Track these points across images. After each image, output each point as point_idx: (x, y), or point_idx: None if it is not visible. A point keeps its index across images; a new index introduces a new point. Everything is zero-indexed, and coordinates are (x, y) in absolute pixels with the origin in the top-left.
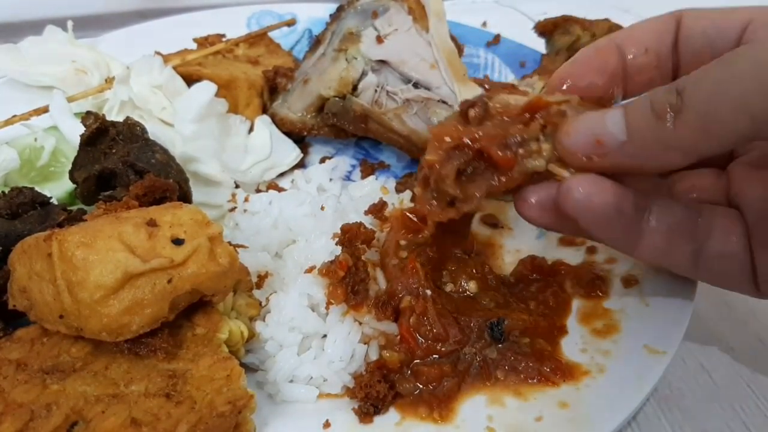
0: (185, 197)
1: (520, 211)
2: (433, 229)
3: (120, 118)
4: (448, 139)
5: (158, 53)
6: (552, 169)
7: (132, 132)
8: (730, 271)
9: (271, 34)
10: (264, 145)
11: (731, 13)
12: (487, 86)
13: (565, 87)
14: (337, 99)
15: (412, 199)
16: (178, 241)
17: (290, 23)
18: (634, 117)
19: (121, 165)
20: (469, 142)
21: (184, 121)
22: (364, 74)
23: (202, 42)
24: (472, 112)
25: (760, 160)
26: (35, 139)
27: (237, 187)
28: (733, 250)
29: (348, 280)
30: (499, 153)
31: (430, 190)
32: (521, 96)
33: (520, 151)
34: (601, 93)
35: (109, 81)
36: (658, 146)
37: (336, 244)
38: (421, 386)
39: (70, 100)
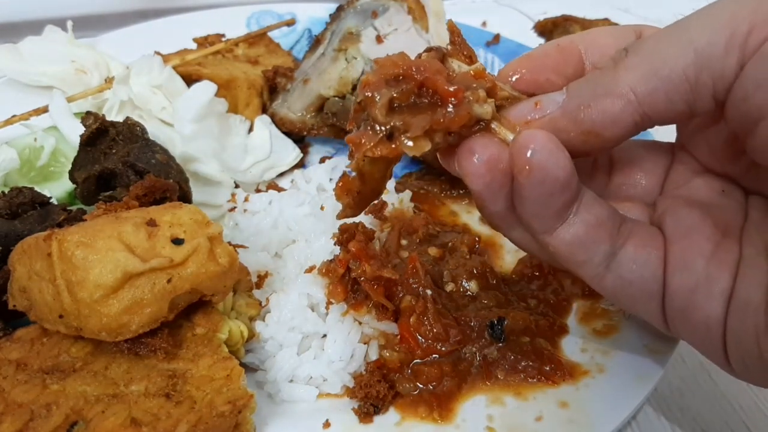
0: (185, 197)
1: (462, 164)
2: (361, 162)
3: (120, 118)
4: (392, 67)
5: (158, 53)
6: (497, 128)
7: (132, 132)
8: (639, 282)
9: (271, 34)
10: (264, 145)
11: None
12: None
13: (514, 78)
14: (336, 99)
15: (412, 199)
16: (177, 241)
17: (290, 23)
18: (576, 81)
19: (121, 165)
20: (414, 72)
21: (183, 121)
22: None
23: (202, 42)
24: (425, 56)
25: (689, 192)
26: (35, 139)
27: (237, 187)
28: (648, 261)
29: (347, 278)
30: (445, 86)
31: (364, 118)
32: (467, 66)
33: (467, 93)
34: (558, 89)
35: (108, 81)
36: (597, 93)
37: (335, 244)
38: (421, 386)
39: (69, 100)
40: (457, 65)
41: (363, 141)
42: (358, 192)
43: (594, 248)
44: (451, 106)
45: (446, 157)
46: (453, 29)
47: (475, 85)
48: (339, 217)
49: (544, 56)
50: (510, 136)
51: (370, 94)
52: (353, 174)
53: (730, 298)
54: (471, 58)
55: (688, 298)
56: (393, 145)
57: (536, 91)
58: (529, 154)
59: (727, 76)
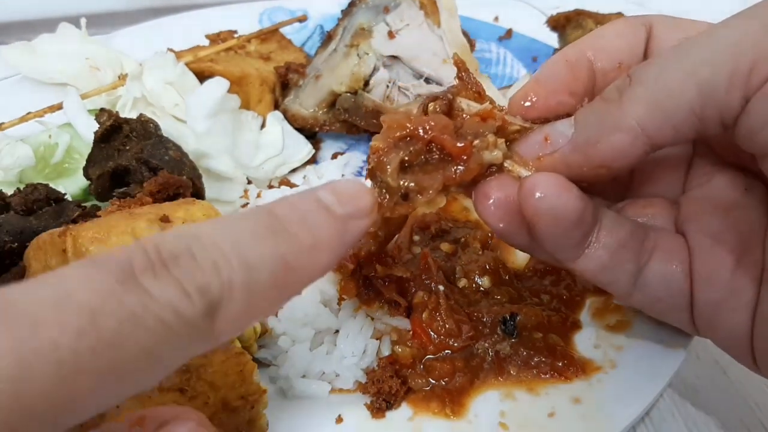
0: (198, 193)
1: (478, 209)
2: (380, 222)
3: (133, 115)
4: (399, 128)
5: (170, 50)
6: (509, 166)
7: (145, 129)
8: (667, 297)
9: (283, 30)
10: (276, 141)
11: (702, 24)
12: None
13: (527, 105)
14: (348, 95)
15: None
16: None
17: (302, 19)
18: (583, 110)
19: (134, 162)
20: (420, 132)
21: (196, 118)
22: (375, 70)
23: (214, 38)
24: (431, 107)
25: (712, 192)
26: (49, 136)
27: (249, 183)
28: (674, 276)
29: (359, 274)
30: (453, 142)
31: (378, 183)
32: (476, 104)
33: (476, 142)
34: (570, 110)
35: (122, 78)
36: (604, 128)
37: None
38: (433, 381)
39: (83, 97)
40: (465, 104)
41: (381, 204)
42: (381, 235)
43: (619, 269)
44: (461, 162)
45: (464, 193)
46: (459, 65)
47: (482, 130)
48: (359, 252)
49: (553, 78)
50: (524, 173)
51: (379, 160)
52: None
53: (756, 307)
54: (480, 94)
55: (715, 310)
56: (409, 204)
57: (549, 116)
58: (536, 199)
59: (732, 108)
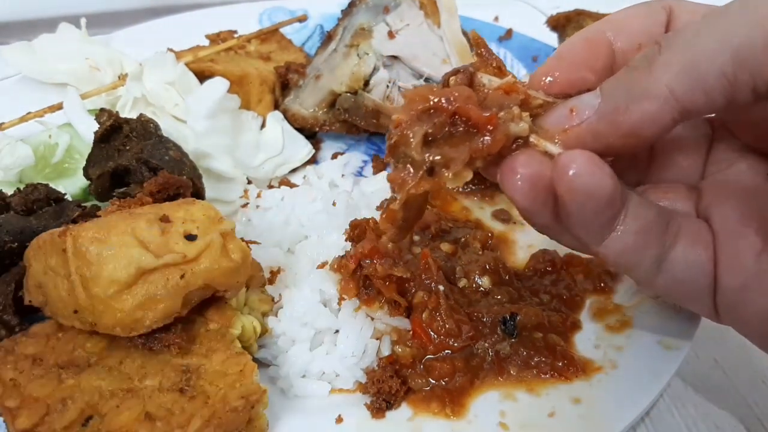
0: (198, 193)
1: (505, 184)
2: (404, 201)
3: (133, 115)
4: (421, 101)
5: (171, 50)
6: (535, 140)
7: (145, 129)
8: (691, 282)
9: (283, 30)
10: (276, 141)
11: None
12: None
13: (549, 80)
14: (348, 94)
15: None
16: (190, 237)
17: (302, 19)
18: (609, 80)
19: (134, 162)
20: (444, 103)
21: (196, 118)
22: (375, 69)
23: (214, 38)
24: (453, 80)
25: (733, 177)
26: (50, 136)
27: (249, 183)
28: (699, 260)
29: (359, 274)
30: (478, 112)
31: (401, 155)
32: (498, 79)
33: (501, 114)
34: (591, 87)
35: (122, 78)
36: (633, 95)
37: (346, 240)
38: (433, 381)
39: (83, 97)
40: (487, 80)
41: (405, 180)
42: (403, 220)
43: (644, 253)
44: (487, 132)
45: (487, 170)
46: (477, 41)
47: (508, 103)
48: (385, 242)
49: (573, 54)
50: (550, 147)
51: (403, 133)
52: (395, 204)
53: None
54: (500, 69)
55: (740, 294)
56: (435, 179)
57: (570, 92)
58: (571, 176)
59: (766, 73)
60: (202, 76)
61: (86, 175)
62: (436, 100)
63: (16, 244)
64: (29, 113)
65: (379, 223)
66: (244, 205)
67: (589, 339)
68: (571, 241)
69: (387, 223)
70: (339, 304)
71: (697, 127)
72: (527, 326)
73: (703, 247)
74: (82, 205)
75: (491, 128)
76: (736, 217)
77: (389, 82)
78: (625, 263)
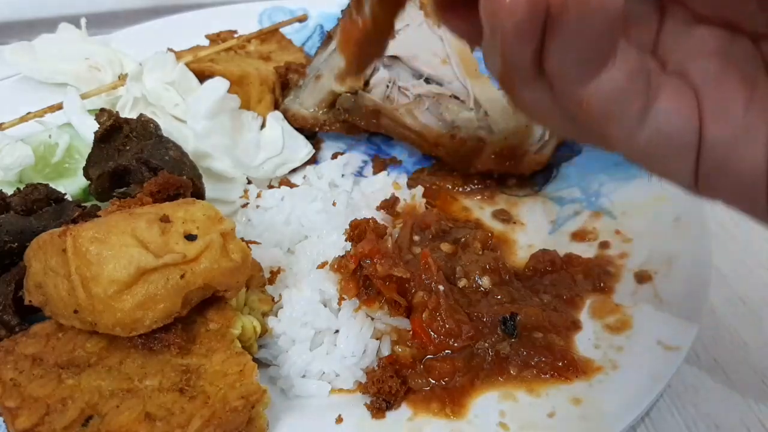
0: (198, 193)
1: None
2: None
3: (133, 115)
4: None
5: (171, 50)
6: None
7: (145, 129)
8: (676, 135)
9: (283, 30)
10: (276, 141)
11: None
12: None
13: None
14: (348, 95)
15: (425, 194)
16: (190, 237)
17: (302, 19)
18: None
19: (134, 162)
20: None
21: (196, 118)
22: (375, 70)
23: (214, 38)
24: None
25: (697, 42)
26: (49, 136)
27: (249, 183)
28: (684, 112)
29: (359, 274)
30: None
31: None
32: None
33: None
34: None
35: (122, 78)
36: None
37: (346, 240)
38: (433, 381)
39: (83, 97)
40: None
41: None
42: (364, 39)
43: (632, 100)
44: None
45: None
46: None
47: None
48: (340, 76)
49: None
50: None
51: None
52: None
53: None
54: None
55: (729, 148)
56: None
57: None
58: None
59: None
60: (202, 76)
61: (86, 175)
62: None
63: (16, 244)
64: (29, 113)
65: (337, 46)
66: (244, 205)
67: (589, 339)
68: (536, 94)
69: (346, 43)
70: (339, 304)
71: (642, 1)
72: (527, 326)
73: (687, 99)
74: (82, 205)
75: None
76: (716, 68)
77: (389, 82)
78: (610, 111)
